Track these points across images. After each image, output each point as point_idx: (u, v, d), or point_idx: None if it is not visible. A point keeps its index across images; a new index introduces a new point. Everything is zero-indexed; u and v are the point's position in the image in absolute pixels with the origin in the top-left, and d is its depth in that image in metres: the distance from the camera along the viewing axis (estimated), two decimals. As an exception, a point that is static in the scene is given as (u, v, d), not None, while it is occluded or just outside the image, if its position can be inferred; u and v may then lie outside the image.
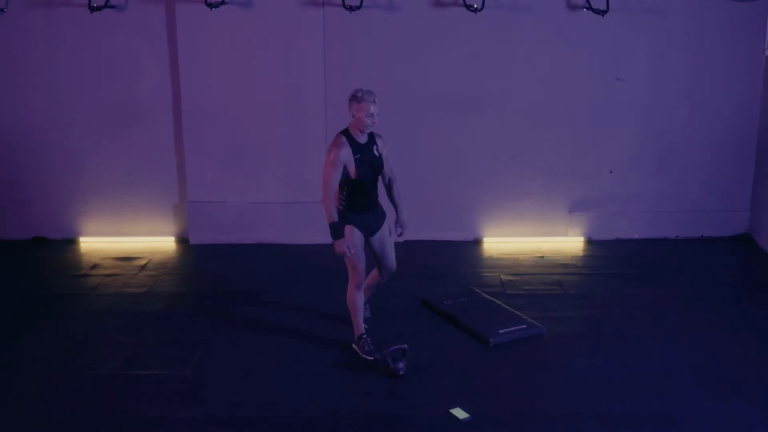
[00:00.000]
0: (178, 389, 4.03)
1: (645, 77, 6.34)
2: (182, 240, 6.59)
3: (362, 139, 4.23)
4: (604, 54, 6.27)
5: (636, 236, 6.60)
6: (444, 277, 5.75)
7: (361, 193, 4.27)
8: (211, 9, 5.95)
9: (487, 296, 5.25)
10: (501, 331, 4.61)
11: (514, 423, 3.71)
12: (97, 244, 6.54)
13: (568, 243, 6.53)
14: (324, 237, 4.70)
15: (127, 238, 6.57)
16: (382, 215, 4.44)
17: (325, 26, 6.14)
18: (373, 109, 4.12)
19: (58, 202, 6.58)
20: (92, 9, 5.95)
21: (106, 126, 6.42)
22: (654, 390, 3.98)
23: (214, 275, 5.83)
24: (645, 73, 6.33)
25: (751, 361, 4.32)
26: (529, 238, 6.56)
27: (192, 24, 6.12)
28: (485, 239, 6.58)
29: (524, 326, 4.72)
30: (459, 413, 3.75)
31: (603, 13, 5.93)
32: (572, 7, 6.13)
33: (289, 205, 6.46)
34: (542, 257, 6.20)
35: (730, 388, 3.98)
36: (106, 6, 6.00)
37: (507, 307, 5.04)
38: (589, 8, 5.96)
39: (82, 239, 6.61)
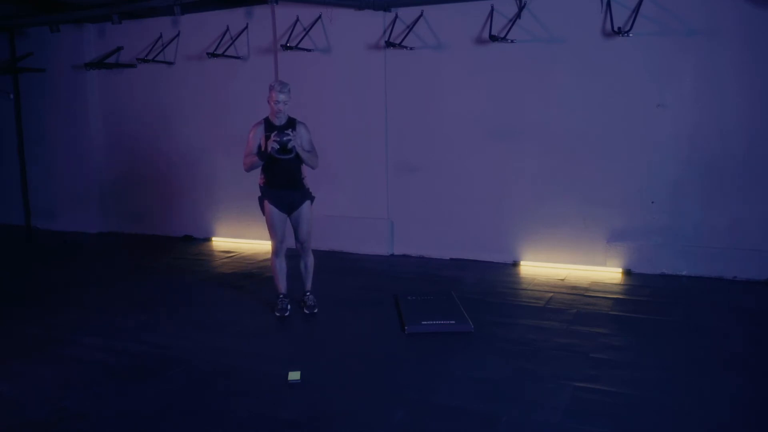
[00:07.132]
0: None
1: (691, 103, 5.99)
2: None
3: (278, 122, 4.90)
4: (644, 80, 6.11)
5: (684, 272, 6.10)
6: (460, 284, 6.10)
7: (276, 169, 4.90)
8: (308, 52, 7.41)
9: (454, 297, 5.54)
10: (423, 323, 4.93)
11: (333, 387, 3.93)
12: (226, 243, 8.33)
13: (606, 273, 6.33)
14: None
15: (244, 240, 8.26)
16: (305, 195, 5.06)
17: (386, 65, 7.13)
18: (278, 96, 4.78)
19: (201, 210, 8.54)
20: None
21: (232, 153, 8.12)
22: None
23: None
24: (691, 98, 5.98)
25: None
26: (567, 265, 6.53)
27: (290, 67, 7.60)
28: (522, 263, 6.72)
29: (452, 322, 4.96)
30: (292, 375, 3.99)
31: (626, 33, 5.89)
32: (607, 35, 6.15)
33: (356, 219, 7.48)
34: (562, 279, 6.17)
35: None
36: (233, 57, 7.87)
37: (460, 306, 5.28)
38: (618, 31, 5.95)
39: (215, 238, 8.48)
